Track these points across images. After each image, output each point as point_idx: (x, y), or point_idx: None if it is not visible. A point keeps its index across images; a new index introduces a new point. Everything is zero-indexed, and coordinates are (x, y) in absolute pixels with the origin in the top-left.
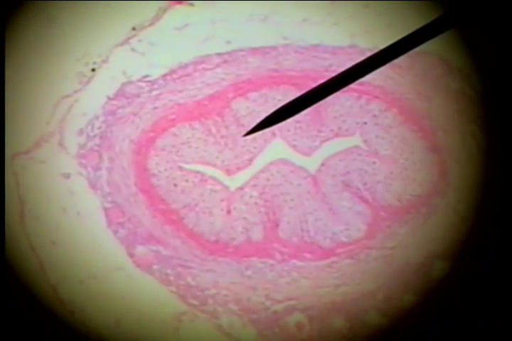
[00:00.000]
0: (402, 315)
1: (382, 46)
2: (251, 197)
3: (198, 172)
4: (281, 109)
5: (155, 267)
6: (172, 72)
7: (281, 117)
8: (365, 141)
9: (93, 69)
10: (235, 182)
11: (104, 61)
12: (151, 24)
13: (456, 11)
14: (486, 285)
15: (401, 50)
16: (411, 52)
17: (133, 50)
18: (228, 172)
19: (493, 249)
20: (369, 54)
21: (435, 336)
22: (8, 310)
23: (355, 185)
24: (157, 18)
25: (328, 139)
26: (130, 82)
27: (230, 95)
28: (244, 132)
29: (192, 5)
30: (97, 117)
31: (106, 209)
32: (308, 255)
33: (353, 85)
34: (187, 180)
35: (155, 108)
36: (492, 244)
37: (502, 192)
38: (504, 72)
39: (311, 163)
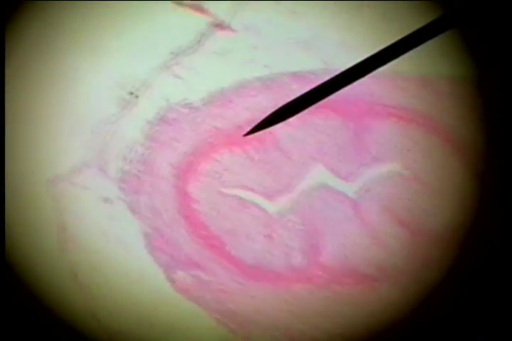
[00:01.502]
0: None
1: (422, 72)
2: (291, 222)
3: (238, 197)
4: (281, 110)
5: (195, 292)
6: (212, 96)
7: (281, 118)
8: (407, 167)
9: (133, 94)
10: (275, 207)
11: (144, 86)
12: (192, 49)
13: (456, 11)
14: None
15: (401, 50)
16: (453, 80)
17: (174, 75)
18: (269, 197)
19: None
20: (409, 80)
21: None
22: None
23: (395, 210)
24: (198, 43)
25: (369, 165)
26: (171, 107)
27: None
28: (284, 158)
29: (234, 30)
30: (137, 142)
31: (146, 234)
32: (348, 280)
33: (393, 111)
34: (228, 205)
35: (196, 133)
36: None
37: None
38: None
39: (352, 189)
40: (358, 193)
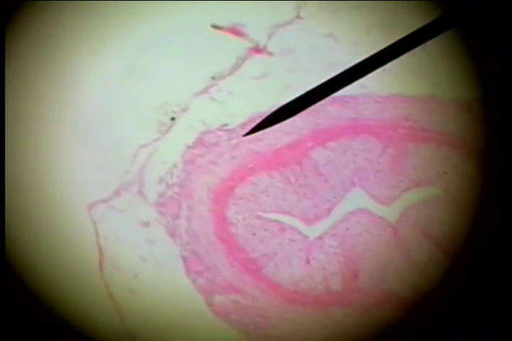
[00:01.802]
0: None
1: (461, 95)
2: (330, 246)
3: (276, 221)
4: (281, 109)
5: (234, 316)
6: (251, 121)
7: (281, 117)
8: (446, 191)
9: (172, 118)
10: (314, 231)
11: (183, 110)
12: (230, 73)
13: (456, 11)
14: None
15: (401, 50)
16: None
17: (212, 99)
18: (307, 221)
19: None
20: (449, 105)
21: None
22: None
23: (434, 235)
24: (236, 67)
25: (408, 189)
26: (209, 131)
27: (309, 144)
28: (322, 182)
29: (271, 54)
30: (176, 166)
31: (185, 258)
32: (388, 306)
33: (432, 135)
34: (266, 229)
35: (234, 157)
36: None
37: None
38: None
39: (391, 213)
40: (396, 218)
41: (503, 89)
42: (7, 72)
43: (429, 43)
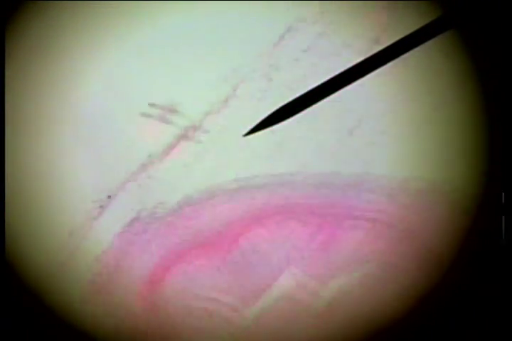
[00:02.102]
0: None
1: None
2: (265, 327)
3: (212, 301)
4: (280, 110)
5: None
6: (182, 205)
7: (280, 118)
8: (380, 269)
9: (109, 196)
10: (249, 313)
11: (115, 195)
12: (160, 160)
13: (456, 11)
14: None
15: (401, 50)
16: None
17: (143, 184)
18: (243, 301)
19: None
20: (374, 192)
21: None
22: None
23: (360, 321)
24: (166, 153)
25: (335, 276)
26: (145, 210)
27: (245, 224)
28: (253, 269)
29: (200, 142)
30: (111, 245)
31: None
32: None
33: (366, 214)
34: (201, 310)
35: (169, 237)
36: None
37: None
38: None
39: (319, 299)
40: (325, 303)
41: (503, 89)
42: (7, 72)
43: (429, 43)
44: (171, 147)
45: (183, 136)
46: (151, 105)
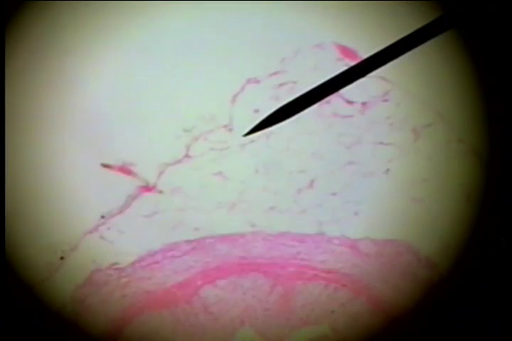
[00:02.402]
0: None
1: (349, 235)
2: None
3: None
4: (280, 110)
5: None
6: (141, 259)
7: (280, 118)
8: (334, 330)
9: (62, 258)
10: None
11: (72, 249)
12: (120, 211)
13: (456, 11)
14: None
15: (401, 50)
16: (379, 240)
17: (102, 237)
18: None
19: None
20: (336, 242)
21: None
22: None
23: None
24: (126, 205)
25: (296, 328)
26: (99, 270)
27: (199, 282)
28: (212, 321)
29: (161, 192)
30: (64, 306)
31: None
32: None
33: (320, 273)
34: None
35: (124, 296)
36: None
37: None
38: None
39: None
40: None
41: (503, 89)
42: (7, 72)
43: (429, 43)
44: (131, 198)
45: (144, 187)
46: (104, 166)
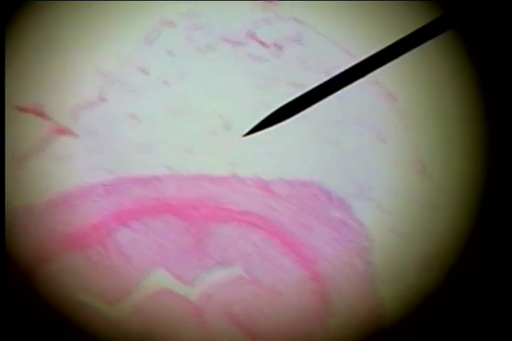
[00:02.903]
0: None
1: (262, 177)
2: (132, 327)
3: (79, 301)
4: (280, 110)
5: None
6: (54, 201)
7: (280, 118)
8: (247, 271)
9: None
10: (116, 312)
11: None
12: (35, 154)
13: (456, 11)
14: None
15: (401, 50)
16: (292, 182)
17: (16, 179)
18: (109, 302)
19: None
20: (249, 183)
21: None
22: None
23: (236, 314)
24: (40, 148)
25: (211, 269)
26: (13, 211)
27: (112, 224)
28: (125, 262)
29: (75, 135)
30: None
31: None
32: None
33: (234, 214)
34: (69, 310)
35: (37, 237)
36: None
37: (384, 317)
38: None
39: (193, 293)
40: (199, 298)
41: (503, 89)
42: (7, 72)
43: (429, 43)
44: (46, 140)
45: (59, 130)
46: (19, 108)
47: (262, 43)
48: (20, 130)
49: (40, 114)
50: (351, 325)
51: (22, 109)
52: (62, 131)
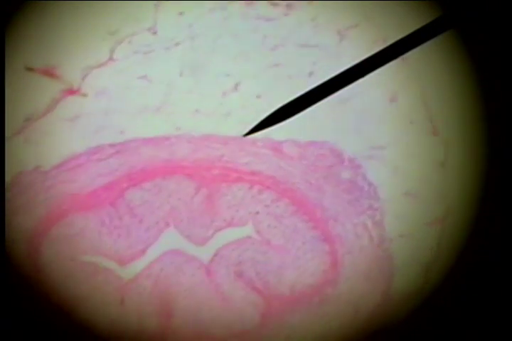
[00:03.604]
0: None
1: (273, 137)
2: (144, 287)
3: (91, 263)
4: (280, 110)
5: None
6: (65, 162)
7: (280, 118)
8: (258, 231)
9: None
10: (128, 272)
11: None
12: (45, 114)
13: (456, 11)
14: None
15: (401, 51)
16: (302, 142)
17: (26, 140)
18: (121, 262)
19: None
20: (259, 144)
21: None
22: None
23: (248, 274)
24: (50, 108)
25: (221, 229)
26: (23, 172)
27: (124, 185)
28: (137, 223)
29: (85, 95)
30: None
31: None
32: None
33: (244, 175)
34: (80, 271)
35: (48, 198)
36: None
37: (394, 280)
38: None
39: (205, 253)
40: (211, 258)
41: (503, 89)
42: (7, 72)
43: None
44: (56, 101)
45: (68, 91)
46: (28, 69)
47: (274, 3)
48: (31, 91)
49: (51, 74)
50: (362, 287)
51: (33, 70)
52: (73, 91)
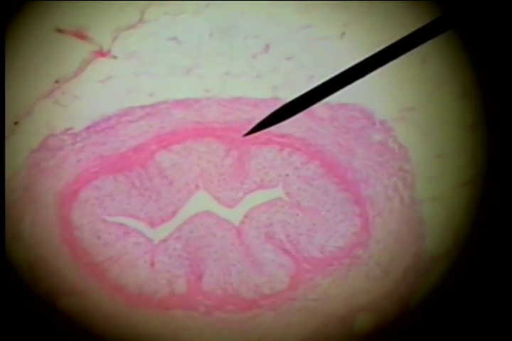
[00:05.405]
0: None
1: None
2: (174, 249)
3: (121, 224)
4: (280, 110)
5: (78, 319)
6: (95, 124)
7: (280, 118)
8: (288, 193)
9: (16, 123)
10: (158, 234)
11: (27, 114)
12: (75, 76)
13: (456, 11)
14: None
15: (400, 51)
16: (333, 104)
17: (56, 102)
18: (152, 224)
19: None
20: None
21: None
22: None
23: (277, 236)
24: (80, 70)
25: (251, 191)
26: (53, 135)
27: (154, 147)
28: (167, 185)
29: (115, 58)
30: (20, 170)
31: (29, 262)
32: (231, 307)
33: (274, 137)
34: (110, 233)
35: (78, 160)
36: (417, 295)
37: (424, 242)
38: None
39: (235, 215)
40: (241, 220)
41: (503, 89)
42: (7, 72)
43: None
44: (86, 63)
45: (98, 52)
46: (59, 30)
47: None
48: (61, 53)
49: (82, 36)
50: (393, 249)
51: (63, 32)
52: (103, 53)
